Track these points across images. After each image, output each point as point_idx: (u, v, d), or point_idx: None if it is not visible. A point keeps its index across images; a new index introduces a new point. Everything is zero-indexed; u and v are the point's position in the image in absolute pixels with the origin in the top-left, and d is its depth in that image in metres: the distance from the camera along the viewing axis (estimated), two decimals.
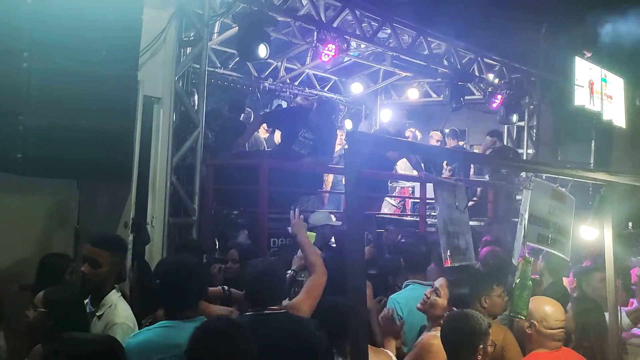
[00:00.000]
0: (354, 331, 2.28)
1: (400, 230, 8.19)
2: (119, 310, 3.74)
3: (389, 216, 10.28)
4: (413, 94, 13.54)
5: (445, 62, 10.86)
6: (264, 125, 10.01)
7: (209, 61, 7.51)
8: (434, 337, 3.92)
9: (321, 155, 8.42)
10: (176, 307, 3.48)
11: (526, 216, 3.65)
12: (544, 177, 3.95)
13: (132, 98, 5.32)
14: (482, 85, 12.19)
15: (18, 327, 3.61)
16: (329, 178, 10.97)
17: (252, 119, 10.08)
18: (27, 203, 4.99)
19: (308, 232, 4.82)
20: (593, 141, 13.69)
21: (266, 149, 9.92)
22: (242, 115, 10.13)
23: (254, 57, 7.91)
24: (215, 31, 9.16)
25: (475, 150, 13.19)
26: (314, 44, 9.31)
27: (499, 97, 12.09)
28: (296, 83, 12.35)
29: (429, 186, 8.73)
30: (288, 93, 12.15)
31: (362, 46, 10.47)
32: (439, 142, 12.31)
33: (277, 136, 10.39)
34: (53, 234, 5.14)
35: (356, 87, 13.13)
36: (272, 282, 3.86)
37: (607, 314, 4.15)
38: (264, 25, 7.67)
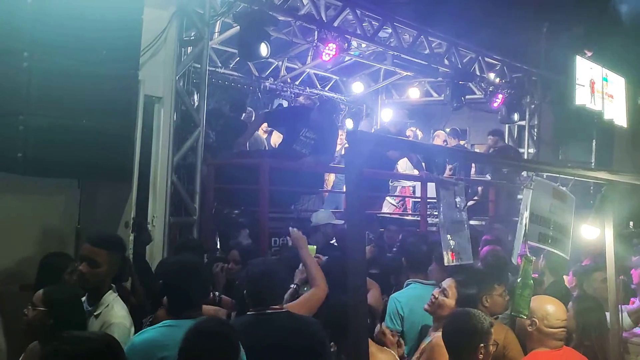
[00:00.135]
0: (354, 331, 2.28)
1: (401, 229, 8.20)
2: (115, 311, 3.74)
3: (389, 215, 10.27)
4: (414, 94, 13.54)
5: (446, 62, 10.85)
6: (263, 125, 10.01)
7: (209, 60, 7.52)
8: None
9: (322, 154, 8.42)
10: (180, 307, 3.48)
11: (527, 215, 3.65)
12: (544, 177, 3.95)
13: (132, 97, 5.31)
14: (483, 85, 12.19)
15: (18, 328, 3.61)
16: (330, 177, 10.97)
17: (253, 118, 10.08)
18: (28, 203, 4.98)
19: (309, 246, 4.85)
20: (594, 140, 13.69)
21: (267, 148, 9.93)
22: (244, 114, 10.14)
23: (254, 56, 7.91)
24: (216, 31, 9.16)
25: (477, 150, 13.19)
26: (314, 44, 9.30)
27: (500, 96, 12.09)
28: (297, 82, 12.36)
29: (430, 185, 8.74)
30: (289, 92, 12.16)
31: (363, 45, 10.46)
32: (445, 142, 12.30)
33: (275, 137, 10.40)
34: (54, 234, 5.13)
35: (357, 87, 13.13)
36: (273, 281, 3.87)
37: (607, 313, 4.16)
38: (264, 25, 7.67)
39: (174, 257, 5.08)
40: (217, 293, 5.02)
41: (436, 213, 4.18)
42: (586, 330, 4.20)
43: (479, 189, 11.16)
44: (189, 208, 7.01)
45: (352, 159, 2.39)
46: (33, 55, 4.52)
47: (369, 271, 5.48)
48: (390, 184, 11.30)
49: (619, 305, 4.06)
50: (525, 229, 3.65)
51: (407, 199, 11.86)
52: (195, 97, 7.42)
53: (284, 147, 8.73)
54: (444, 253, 3.55)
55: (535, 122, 13.23)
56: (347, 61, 12.00)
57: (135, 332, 3.66)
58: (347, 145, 8.99)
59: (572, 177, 3.76)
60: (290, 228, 4.83)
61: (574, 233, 3.98)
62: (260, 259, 4.59)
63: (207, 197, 7.35)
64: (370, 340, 3.38)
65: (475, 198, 10.74)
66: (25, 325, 3.49)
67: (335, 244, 7.32)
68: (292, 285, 4.57)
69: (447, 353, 3.55)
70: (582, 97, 12.29)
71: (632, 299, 5.36)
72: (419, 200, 9.59)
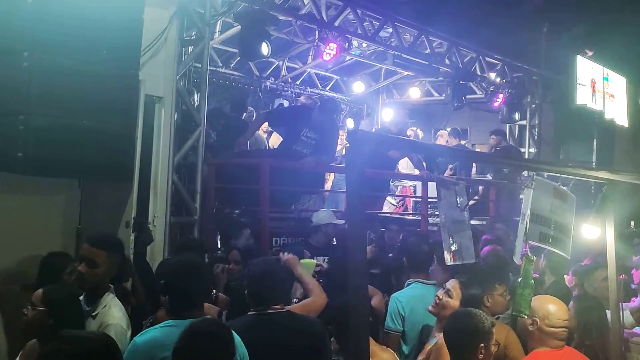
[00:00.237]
0: (355, 331, 2.28)
1: (402, 229, 8.20)
2: (113, 312, 3.74)
3: (390, 215, 10.27)
4: (415, 93, 13.54)
5: (447, 61, 10.85)
6: (263, 125, 10.01)
7: (210, 60, 7.53)
8: None
9: (323, 154, 8.42)
10: (181, 307, 3.48)
11: (528, 215, 3.65)
12: (545, 176, 3.94)
13: (133, 97, 5.31)
14: (483, 84, 12.20)
15: (19, 328, 3.61)
16: (330, 177, 10.96)
17: (254, 118, 10.09)
18: (28, 203, 4.97)
19: (303, 261, 4.87)
20: (595, 140, 13.71)
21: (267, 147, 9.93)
22: (244, 114, 10.14)
23: (255, 56, 7.91)
24: (217, 30, 9.16)
25: (477, 149, 13.19)
26: (315, 43, 9.31)
27: (501, 96, 12.09)
28: (298, 82, 12.36)
29: (431, 185, 8.74)
30: (289, 92, 12.17)
31: (364, 45, 10.47)
32: (448, 142, 12.30)
33: (274, 138, 10.40)
34: (54, 234, 5.12)
35: (358, 86, 13.13)
36: (274, 281, 3.88)
37: (608, 312, 4.15)
38: (265, 25, 7.67)
39: (175, 257, 5.08)
40: (214, 291, 5.01)
41: (437, 213, 4.17)
42: (587, 330, 4.19)
43: (480, 188, 11.16)
44: (189, 208, 7.00)
45: (353, 158, 2.39)
46: (33, 54, 4.51)
47: (370, 271, 5.48)
48: (391, 183, 11.29)
49: (621, 304, 4.05)
50: (526, 229, 3.65)
51: (407, 198, 11.85)
52: (196, 96, 7.43)
53: (284, 147, 8.72)
54: (445, 253, 3.54)
55: (536, 122, 13.23)
56: (347, 61, 12.01)
57: (135, 333, 3.66)
58: (347, 145, 9.01)
59: (573, 177, 3.74)
60: (280, 254, 4.84)
61: (575, 232, 3.97)
62: (261, 258, 4.59)
63: (208, 197, 7.35)
64: (371, 339, 3.38)
65: (476, 198, 10.74)
66: (25, 324, 3.49)
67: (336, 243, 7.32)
68: (293, 300, 4.56)
69: (449, 352, 3.55)
70: (583, 97, 12.29)
71: (632, 299, 5.36)
72: (420, 200, 9.59)
